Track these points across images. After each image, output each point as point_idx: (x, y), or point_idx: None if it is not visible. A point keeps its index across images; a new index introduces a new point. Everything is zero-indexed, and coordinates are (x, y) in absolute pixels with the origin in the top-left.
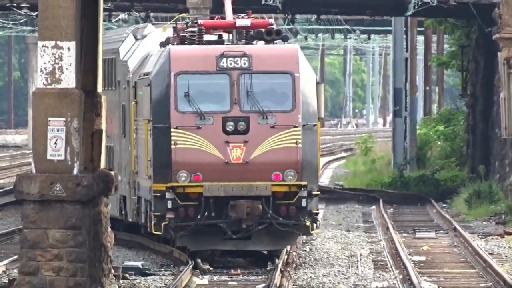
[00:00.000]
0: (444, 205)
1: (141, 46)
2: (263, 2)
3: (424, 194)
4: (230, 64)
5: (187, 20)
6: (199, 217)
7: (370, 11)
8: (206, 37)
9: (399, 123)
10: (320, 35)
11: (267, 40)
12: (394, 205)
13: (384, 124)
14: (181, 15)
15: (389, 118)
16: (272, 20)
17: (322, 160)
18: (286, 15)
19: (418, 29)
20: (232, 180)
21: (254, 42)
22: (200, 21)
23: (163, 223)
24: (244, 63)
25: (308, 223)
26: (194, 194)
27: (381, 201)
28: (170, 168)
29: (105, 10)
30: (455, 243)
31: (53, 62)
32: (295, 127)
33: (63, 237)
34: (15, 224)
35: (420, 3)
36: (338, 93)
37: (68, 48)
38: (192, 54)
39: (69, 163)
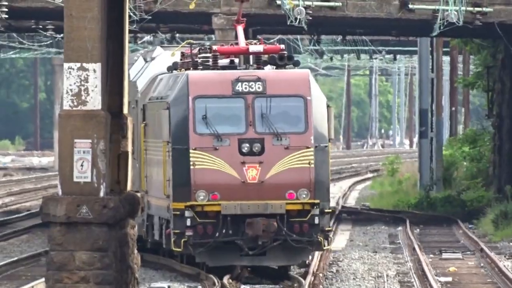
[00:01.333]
0: (470, 225)
1: (149, 67)
2: (288, 23)
3: (450, 215)
4: (245, 88)
5: (200, 45)
6: (217, 234)
7: (395, 32)
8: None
9: (425, 144)
10: (345, 55)
11: (279, 65)
12: (421, 226)
13: (411, 145)
14: (189, 41)
15: (415, 139)
16: (283, 46)
17: (349, 182)
18: (312, 36)
19: (444, 49)
20: (248, 199)
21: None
22: (214, 47)
23: (182, 240)
24: (259, 87)
25: (320, 240)
26: (212, 212)
27: (407, 222)
28: (189, 187)
29: (130, 32)
30: (482, 264)
31: (79, 83)
32: (307, 147)
33: (89, 259)
34: (41, 247)
35: (445, 23)
36: (364, 114)
37: (94, 70)
38: (209, 79)
39: (96, 185)
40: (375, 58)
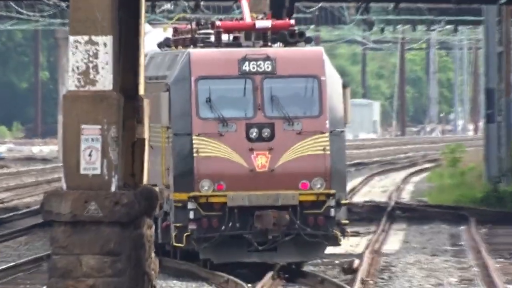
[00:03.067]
0: None
1: None
2: None
3: None
4: (253, 68)
5: (201, 21)
6: (223, 228)
7: None
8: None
9: (492, 129)
10: (399, 27)
11: (290, 42)
12: (488, 225)
13: (475, 131)
14: (181, 14)
15: (481, 123)
16: (293, 21)
17: (403, 173)
18: (360, 3)
19: None
20: (257, 189)
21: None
22: (217, 23)
23: (185, 235)
24: (268, 67)
25: (336, 234)
26: (218, 204)
27: (472, 220)
28: (193, 177)
29: None
30: None
31: (87, 60)
32: (322, 133)
33: (99, 265)
34: (43, 250)
35: None
36: (420, 94)
37: (104, 44)
38: (213, 58)
39: (106, 178)
40: (433, 30)
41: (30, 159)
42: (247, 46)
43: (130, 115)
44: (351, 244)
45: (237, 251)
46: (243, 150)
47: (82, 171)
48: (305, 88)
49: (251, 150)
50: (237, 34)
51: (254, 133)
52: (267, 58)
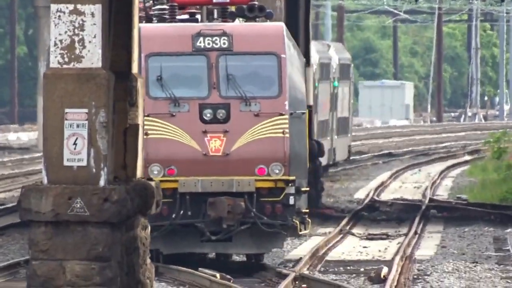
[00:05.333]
0: None
1: None
2: None
3: None
4: (208, 44)
5: None
6: (173, 216)
7: None
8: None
9: None
10: None
11: (248, 17)
12: None
13: None
14: None
15: None
16: None
17: (439, 166)
18: None
19: None
20: (211, 174)
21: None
22: None
23: None
24: (224, 43)
25: (296, 223)
26: (168, 190)
27: None
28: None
29: None
30: None
31: (72, 32)
32: (281, 114)
33: (85, 272)
34: (20, 254)
35: None
36: (460, 74)
37: (92, 14)
38: (165, 34)
39: (94, 170)
40: None
41: (5, 148)
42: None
43: (122, 97)
44: (379, 249)
45: (189, 241)
46: (196, 132)
47: (65, 163)
48: (263, 66)
49: (205, 132)
50: (194, 11)
51: (208, 114)
52: (223, 33)
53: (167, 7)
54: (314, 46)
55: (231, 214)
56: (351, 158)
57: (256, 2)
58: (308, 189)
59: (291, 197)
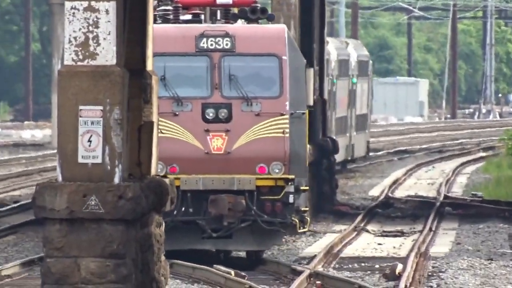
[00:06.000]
0: None
1: None
2: None
3: None
4: (211, 45)
5: None
6: (175, 213)
7: None
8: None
9: None
10: None
11: (251, 19)
12: None
13: None
14: None
15: None
16: None
17: (454, 163)
18: None
19: None
20: (212, 172)
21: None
22: None
23: None
24: (227, 44)
25: (295, 222)
26: None
27: None
28: None
29: None
30: None
31: (86, 29)
32: (282, 115)
33: (100, 269)
34: (34, 252)
35: None
36: (475, 70)
37: (107, 11)
38: (169, 34)
39: (108, 168)
40: None
41: (19, 145)
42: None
43: (136, 95)
44: (393, 246)
45: (189, 237)
46: (198, 131)
47: (80, 160)
48: (265, 67)
49: (207, 131)
50: (198, 12)
51: (210, 113)
52: (226, 35)
53: (171, 8)
54: (332, 43)
55: (231, 212)
56: (369, 154)
57: (258, 4)
58: (307, 188)
59: (290, 195)
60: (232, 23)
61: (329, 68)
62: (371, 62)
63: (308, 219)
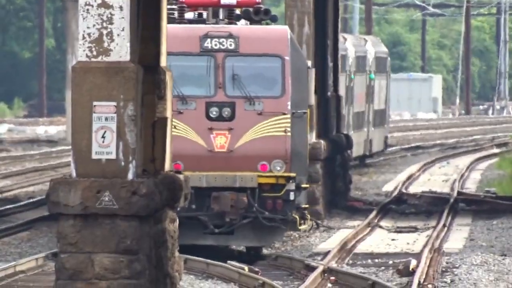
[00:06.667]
0: None
1: None
2: None
3: None
4: (215, 45)
5: None
6: (178, 209)
7: None
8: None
9: None
10: None
11: (254, 20)
12: None
13: None
14: None
15: None
16: None
17: (468, 159)
18: None
19: None
20: (215, 170)
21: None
22: None
23: None
24: (230, 45)
25: (296, 218)
26: None
27: None
28: None
29: None
30: None
31: (100, 26)
32: (284, 114)
33: (114, 265)
34: (48, 247)
35: None
36: (489, 67)
37: (120, 7)
38: (174, 34)
39: (122, 163)
40: None
41: (33, 141)
42: (212, 23)
43: (150, 90)
44: (407, 242)
45: (192, 233)
46: (202, 129)
47: (94, 156)
48: (267, 67)
49: (211, 129)
50: (201, 11)
51: (214, 112)
52: (230, 35)
53: (176, 7)
54: (350, 40)
55: (234, 208)
56: (388, 149)
57: (262, 5)
58: (308, 185)
59: (291, 193)
60: (235, 24)
61: (346, 64)
62: (389, 59)
63: (309, 216)
